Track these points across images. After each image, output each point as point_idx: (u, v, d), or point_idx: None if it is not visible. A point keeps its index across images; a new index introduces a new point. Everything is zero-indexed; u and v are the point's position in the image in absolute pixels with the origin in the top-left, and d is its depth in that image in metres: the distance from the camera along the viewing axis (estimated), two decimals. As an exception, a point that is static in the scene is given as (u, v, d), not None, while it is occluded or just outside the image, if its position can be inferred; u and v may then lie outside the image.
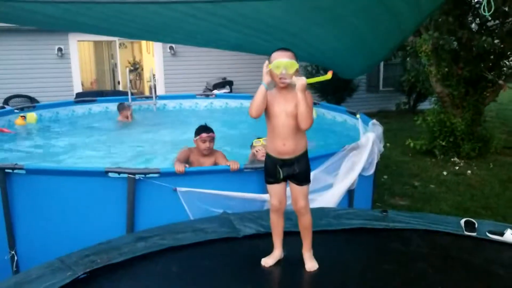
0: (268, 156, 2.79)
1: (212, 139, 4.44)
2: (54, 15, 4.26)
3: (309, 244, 2.82)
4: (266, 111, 2.70)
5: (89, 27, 5.06)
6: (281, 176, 2.73)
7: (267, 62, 2.63)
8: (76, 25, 5.20)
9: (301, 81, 2.59)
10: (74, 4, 3.92)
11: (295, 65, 2.62)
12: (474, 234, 3.24)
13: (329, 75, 2.67)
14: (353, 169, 4.26)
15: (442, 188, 6.84)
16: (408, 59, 11.57)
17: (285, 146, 2.67)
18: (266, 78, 2.63)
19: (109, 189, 3.73)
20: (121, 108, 7.73)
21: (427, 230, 3.31)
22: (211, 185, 3.81)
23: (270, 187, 2.80)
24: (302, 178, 2.75)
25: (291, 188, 2.78)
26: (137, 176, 3.66)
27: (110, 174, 3.65)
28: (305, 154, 2.76)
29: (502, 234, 3.18)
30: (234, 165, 3.86)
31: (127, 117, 7.64)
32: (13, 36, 11.11)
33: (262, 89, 2.62)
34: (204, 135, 4.38)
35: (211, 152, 4.45)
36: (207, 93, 9.56)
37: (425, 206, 6.08)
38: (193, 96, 9.01)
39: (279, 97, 2.68)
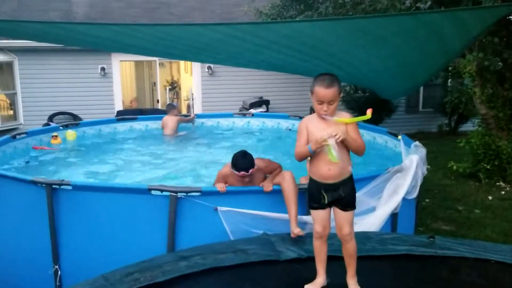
0: (311, 180, 2.74)
1: (251, 175, 3.91)
2: (104, 37, 4.41)
3: (354, 272, 2.73)
4: (308, 137, 2.68)
5: (135, 48, 5.21)
6: (326, 201, 2.66)
7: (325, 137, 2.53)
8: (123, 46, 5.36)
9: (339, 129, 2.55)
10: (123, 27, 4.04)
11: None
12: (528, 264, 3.08)
13: (368, 115, 2.60)
14: (397, 192, 4.15)
15: (487, 213, 6.57)
16: (449, 80, 11.30)
17: (330, 171, 2.63)
18: (314, 147, 2.59)
19: (151, 207, 3.76)
20: (170, 108, 8.36)
21: (478, 258, 3.16)
22: (252, 205, 3.79)
23: (314, 212, 2.74)
24: (348, 203, 2.68)
25: (336, 214, 2.71)
26: (179, 194, 3.68)
27: (152, 192, 3.69)
28: (350, 178, 2.70)
29: (559, 265, 3.01)
30: (267, 187, 3.80)
31: (176, 115, 8.21)
32: (59, 55, 11.56)
33: (307, 151, 2.65)
34: (242, 173, 3.85)
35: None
36: (244, 112, 9.62)
37: (470, 232, 5.85)
38: (230, 115, 9.08)
39: (321, 123, 2.65)
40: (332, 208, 2.72)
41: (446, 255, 3.18)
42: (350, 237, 2.69)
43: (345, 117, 2.67)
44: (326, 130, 2.58)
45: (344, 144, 2.62)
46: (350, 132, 2.62)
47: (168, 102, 9.28)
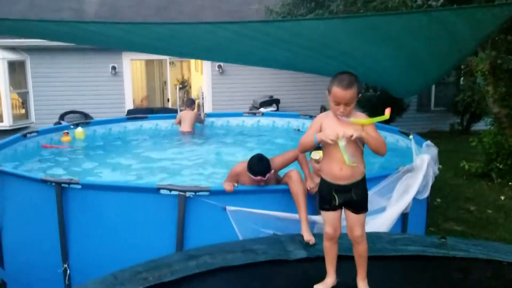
0: (323, 181, 2.68)
1: (267, 180, 3.79)
2: (115, 35, 4.42)
3: (364, 273, 2.70)
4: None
5: (145, 46, 5.22)
6: (337, 203, 2.61)
7: (334, 138, 2.49)
8: (133, 45, 5.37)
9: (352, 131, 2.48)
10: (134, 26, 4.04)
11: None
12: (542, 266, 3.03)
13: (386, 115, 2.50)
14: (408, 192, 4.10)
15: (500, 213, 6.48)
16: (462, 78, 11.16)
17: (342, 171, 2.56)
18: (319, 139, 2.57)
19: (160, 206, 3.76)
20: (191, 102, 8.37)
21: (490, 259, 3.11)
22: (261, 205, 3.76)
23: (325, 214, 2.69)
24: (360, 206, 2.62)
25: (347, 216, 2.66)
26: (187, 194, 3.67)
27: (161, 191, 3.69)
28: (363, 180, 2.64)
29: None
30: (312, 185, 3.75)
31: (194, 110, 8.22)
32: (70, 54, 11.64)
33: (311, 141, 2.61)
34: (259, 178, 3.72)
35: None
36: (254, 111, 9.60)
37: (482, 232, 5.77)
38: (240, 114, 9.06)
39: (336, 122, 2.58)
40: (343, 209, 2.67)
41: (458, 256, 3.13)
42: (361, 239, 2.65)
43: (362, 117, 2.60)
44: (340, 129, 2.52)
45: (357, 145, 2.57)
46: (368, 132, 2.55)
47: (178, 102, 9.27)
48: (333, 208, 2.64)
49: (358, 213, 2.63)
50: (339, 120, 2.57)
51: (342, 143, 2.46)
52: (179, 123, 8.09)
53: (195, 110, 8.38)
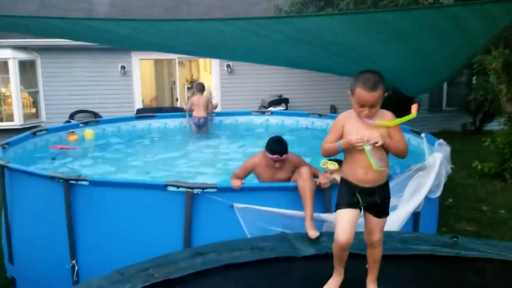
0: (344, 181, 2.51)
1: (283, 161, 3.95)
2: (124, 33, 4.40)
3: (376, 275, 2.63)
4: (343, 136, 2.48)
5: (152, 44, 5.20)
6: (361, 204, 2.45)
7: (360, 143, 2.35)
8: (140, 43, 5.35)
9: (377, 137, 2.33)
10: (142, 23, 4.02)
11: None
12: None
13: (413, 113, 2.37)
14: (419, 191, 4.03)
15: (513, 214, 6.38)
16: (474, 77, 11.00)
17: (367, 175, 2.42)
18: (344, 146, 2.43)
19: (167, 203, 3.74)
20: (202, 87, 8.12)
21: (504, 260, 3.03)
22: (269, 202, 3.72)
23: (340, 215, 2.47)
24: (383, 210, 2.50)
25: (367, 220, 2.53)
26: (195, 191, 3.64)
27: (169, 188, 3.67)
28: (387, 182, 2.51)
29: None
30: (324, 180, 3.73)
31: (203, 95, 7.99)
32: (80, 54, 11.69)
33: (335, 149, 2.47)
34: (276, 156, 3.88)
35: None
36: (263, 110, 9.55)
37: (495, 232, 5.68)
38: (249, 113, 9.01)
39: (360, 124, 2.43)
40: (363, 214, 2.54)
41: (470, 256, 3.05)
42: (379, 243, 2.55)
43: (388, 117, 2.45)
44: (365, 133, 2.36)
45: (383, 147, 2.42)
46: (392, 134, 2.43)
47: (187, 102, 9.15)
48: (352, 207, 2.45)
49: (380, 217, 2.51)
50: (363, 121, 2.42)
51: (368, 147, 2.32)
52: (191, 109, 7.97)
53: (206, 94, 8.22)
